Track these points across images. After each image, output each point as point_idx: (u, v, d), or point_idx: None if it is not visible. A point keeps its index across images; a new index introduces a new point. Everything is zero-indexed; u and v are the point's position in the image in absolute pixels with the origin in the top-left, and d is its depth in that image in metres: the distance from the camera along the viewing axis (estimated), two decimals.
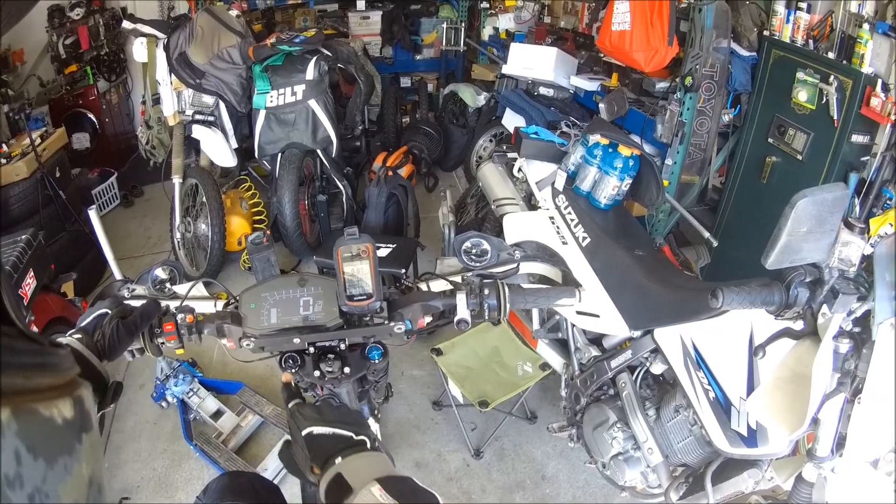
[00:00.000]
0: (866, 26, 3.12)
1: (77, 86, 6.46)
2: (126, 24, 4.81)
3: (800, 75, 3.45)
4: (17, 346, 0.51)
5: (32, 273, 3.08)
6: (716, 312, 2.19)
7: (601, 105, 4.01)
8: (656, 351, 2.49)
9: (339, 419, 1.24)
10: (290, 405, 1.38)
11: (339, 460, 1.12)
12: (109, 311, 1.40)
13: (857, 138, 3.24)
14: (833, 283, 1.74)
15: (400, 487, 1.02)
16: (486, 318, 1.57)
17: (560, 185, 3.03)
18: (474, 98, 6.22)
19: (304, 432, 1.21)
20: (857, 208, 3.21)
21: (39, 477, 0.47)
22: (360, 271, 1.46)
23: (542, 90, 5.00)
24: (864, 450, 1.84)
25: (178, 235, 4.74)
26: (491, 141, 5.81)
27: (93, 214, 3.72)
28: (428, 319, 1.60)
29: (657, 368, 2.51)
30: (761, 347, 1.97)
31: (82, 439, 0.56)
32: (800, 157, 3.52)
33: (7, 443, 0.44)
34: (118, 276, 3.83)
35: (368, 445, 1.20)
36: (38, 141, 4.67)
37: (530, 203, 3.33)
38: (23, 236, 3.15)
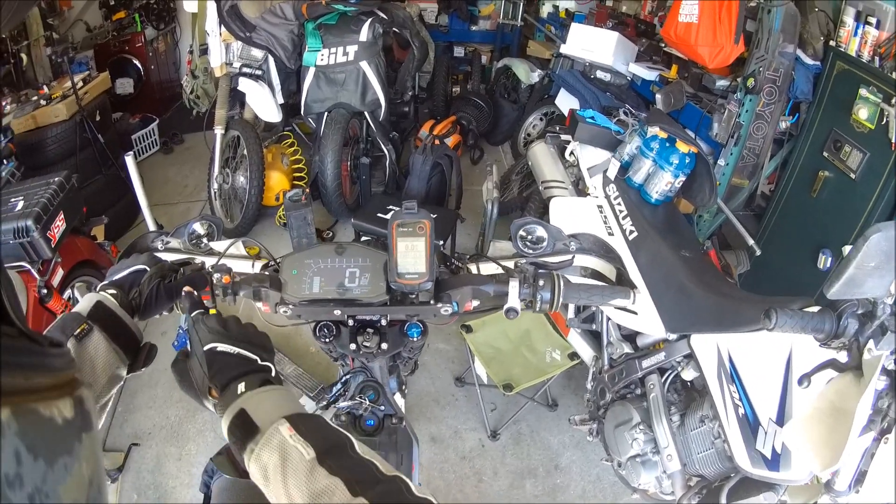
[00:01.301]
0: None
1: (124, 32, 6.48)
2: None
3: (862, 92, 3.34)
4: (17, 346, 0.52)
5: (63, 216, 3.08)
6: (757, 327, 2.13)
7: (658, 95, 3.93)
8: (690, 357, 2.44)
9: (245, 339, 1.15)
10: (192, 314, 1.24)
11: (241, 387, 1.04)
12: (147, 269, 1.35)
13: None
14: (884, 319, 1.68)
15: (310, 425, 0.98)
16: (538, 309, 1.48)
17: (612, 173, 2.98)
18: (528, 74, 6.12)
19: (205, 347, 1.12)
20: None
21: (39, 477, 0.48)
22: (414, 248, 1.39)
23: (600, 74, 4.93)
24: (882, 490, 1.79)
25: (215, 186, 4.75)
26: (541, 119, 5.75)
27: (129, 160, 3.72)
28: (476, 303, 1.53)
29: (688, 375, 2.47)
30: (807, 377, 1.91)
31: (82, 439, 0.56)
32: (853, 176, 3.42)
33: (7, 443, 0.45)
34: (151, 223, 3.84)
35: (273, 373, 1.13)
36: (80, 84, 4.71)
37: (579, 189, 3.28)
38: (55, 178, 3.14)
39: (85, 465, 0.55)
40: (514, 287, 1.45)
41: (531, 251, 1.65)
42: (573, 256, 1.69)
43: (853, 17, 3.46)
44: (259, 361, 1.12)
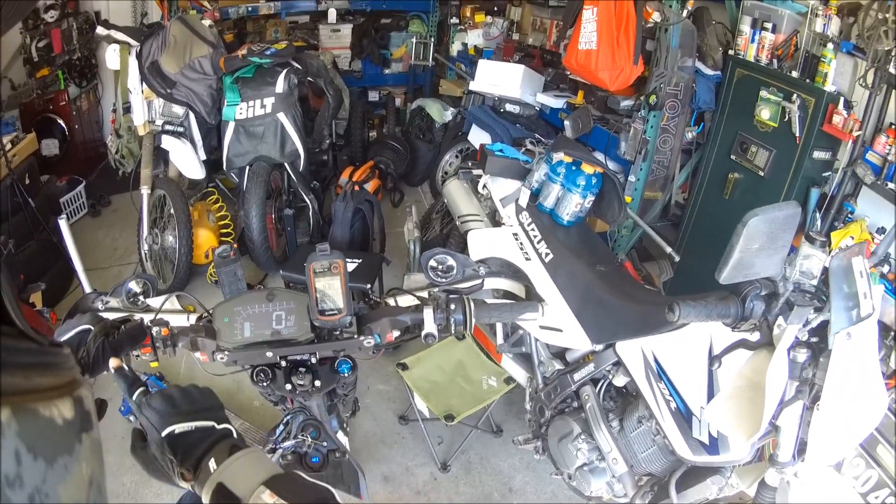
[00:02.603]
0: (830, 45, 3.22)
1: (48, 90, 6.37)
2: (100, 30, 4.76)
3: (763, 94, 3.55)
4: (17, 346, 0.51)
5: None
6: (675, 326, 2.24)
7: (566, 122, 4.07)
8: (618, 364, 2.53)
9: (195, 408, 1.15)
10: (133, 396, 1.26)
11: (212, 463, 1.04)
12: (91, 328, 1.41)
13: (819, 154, 3.34)
14: (788, 295, 1.80)
15: (291, 487, 0.99)
16: (453, 332, 1.61)
17: (524, 201, 3.08)
18: (441, 113, 6.23)
19: (163, 433, 1.11)
20: (819, 222, 3.30)
21: (39, 477, 0.47)
22: (331, 286, 1.50)
23: (509, 107, 5.05)
24: (824, 455, 1.90)
25: (145, 247, 4.70)
26: (457, 157, 5.84)
27: (63, 224, 3.69)
28: (396, 334, 1.64)
29: (620, 381, 2.56)
30: (717, 358, 2.03)
31: (82, 439, 0.56)
32: (762, 174, 3.61)
33: (7, 443, 0.44)
34: (87, 288, 3.80)
35: (234, 434, 1.13)
36: (9, 146, 4.60)
37: (494, 219, 3.37)
38: None
39: (85, 465, 0.55)
40: (428, 314, 1.59)
41: (443, 280, 1.74)
42: (482, 280, 1.78)
43: (749, 24, 3.66)
44: (216, 426, 1.13)
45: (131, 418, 3.69)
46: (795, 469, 1.96)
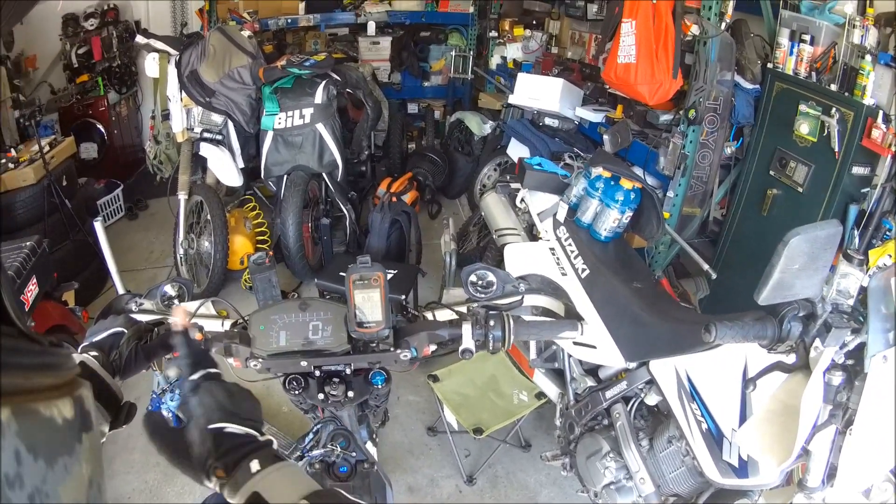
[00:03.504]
0: (868, 58, 3.16)
1: (88, 96, 6.51)
2: (139, 39, 4.86)
3: (802, 108, 3.48)
4: (17, 346, 0.51)
5: (35, 280, 3.09)
6: (710, 346, 2.21)
7: (605, 137, 4.05)
8: (651, 382, 2.50)
9: (249, 415, 1.12)
10: (197, 375, 1.19)
11: (254, 464, 1.00)
12: (125, 331, 1.42)
13: (858, 170, 3.27)
14: (826, 317, 1.75)
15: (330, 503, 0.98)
16: (491, 349, 1.59)
17: (561, 216, 3.07)
18: (480, 126, 6.24)
19: (212, 426, 1.06)
20: (857, 240, 3.24)
21: (39, 477, 0.47)
22: (370, 299, 1.49)
23: (548, 120, 5.03)
24: (854, 481, 1.85)
25: (181, 251, 4.77)
26: (495, 170, 5.84)
27: (98, 226, 3.74)
28: (433, 348, 1.62)
29: (652, 400, 2.53)
30: (752, 381, 1.99)
31: (82, 439, 0.56)
32: (801, 190, 3.55)
33: (7, 443, 0.44)
34: (121, 289, 3.85)
35: (275, 445, 1.10)
36: (47, 148, 4.73)
37: (532, 234, 3.37)
38: (27, 243, 3.16)
39: (85, 465, 0.55)
40: (467, 329, 1.57)
41: (482, 295, 1.73)
42: (522, 297, 1.76)
43: (787, 37, 3.61)
44: (259, 437, 1.10)
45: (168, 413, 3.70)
46: (824, 494, 1.91)
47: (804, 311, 1.80)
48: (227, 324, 1.69)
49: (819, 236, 1.73)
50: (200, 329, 1.52)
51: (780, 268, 1.71)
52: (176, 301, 1.75)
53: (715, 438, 2.22)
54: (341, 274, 1.53)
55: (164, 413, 3.55)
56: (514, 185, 3.51)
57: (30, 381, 0.51)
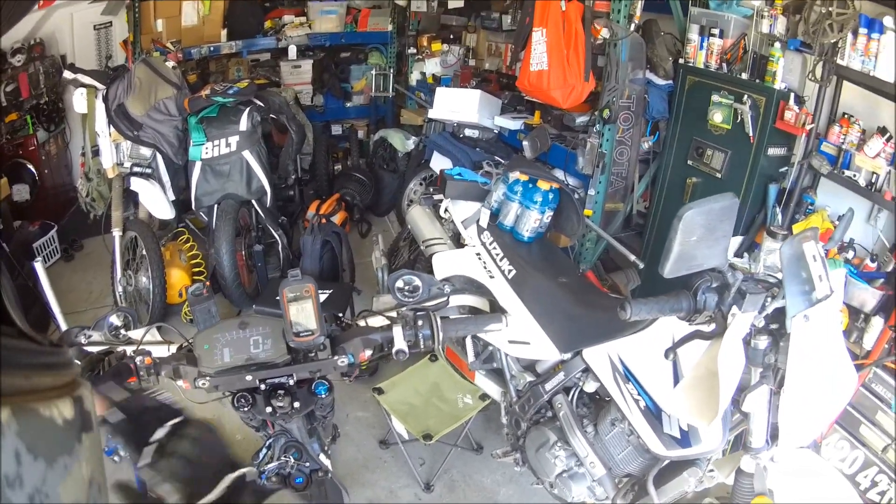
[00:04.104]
0: (778, 45, 3.34)
1: (17, 135, 6.35)
2: (67, 74, 4.80)
3: (714, 98, 3.64)
4: (17, 346, 0.52)
5: None
6: (638, 328, 2.33)
7: (524, 143, 4.15)
8: (587, 370, 2.61)
9: (213, 461, 1.13)
10: (140, 464, 1.20)
11: None
12: (77, 362, 1.49)
13: (774, 151, 3.45)
14: (739, 285, 1.86)
15: None
16: (422, 347, 1.70)
17: (484, 222, 3.16)
18: (403, 143, 6.31)
19: None
20: (780, 216, 3.41)
21: (39, 477, 0.47)
22: (303, 310, 1.59)
23: (468, 132, 5.11)
24: (796, 436, 1.97)
25: (119, 289, 4.70)
26: (421, 184, 5.89)
27: (39, 268, 3.70)
28: (369, 353, 1.72)
29: (590, 387, 2.64)
30: (671, 350, 2.08)
31: (82, 439, 0.56)
32: (719, 176, 3.71)
33: (7, 443, 0.44)
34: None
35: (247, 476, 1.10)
36: None
37: (458, 241, 3.45)
38: None
39: (85, 465, 0.55)
40: (398, 332, 1.68)
41: (410, 299, 1.82)
42: (447, 297, 1.86)
43: (697, 32, 3.77)
44: (240, 471, 1.10)
45: (115, 458, 3.69)
46: (771, 453, 2.03)
47: (717, 282, 1.90)
48: (174, 349, 1.76)
49: (714, 208, 1.84)
50: (149, 354, 1.59)
51: (678, 241, 1.81)
52: (122, 330, 1.81)
53: (654, 414, 2.33)
54: (278, 298, 1.60)
55: (121, 453, 3.53)
56: (437, 197, 3.59)
57: (30, 381, 0.51)
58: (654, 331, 2.34)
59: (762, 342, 1.88)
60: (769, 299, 1.85)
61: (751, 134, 3.47)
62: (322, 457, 2.06)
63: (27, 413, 0.48)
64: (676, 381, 2.25)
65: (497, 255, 3.02)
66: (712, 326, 1.94)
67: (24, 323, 0.58)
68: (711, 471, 2.34)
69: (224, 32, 6.73)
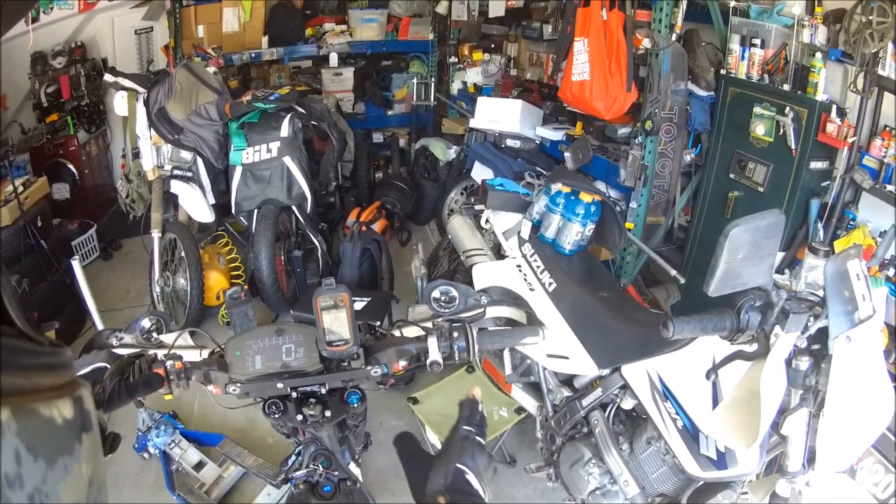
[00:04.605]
0: (819, 55, 3.25)
1: (58, 135, 6.47)
2: (107, 77, 4.85)
3: (756, 110, 3.57)
4: (17, 346, 0.51)
5: None
6: (678, 345, 2.28)
7: (566, 154, 4.12)
8: (625, 387, 2.57)
9: (482, 471, 1.16)
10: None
11: None
12: (108, 366, 1.49)
13: (816, 165, 3.36)
14: (783, 304, 1.79)
15: None
16: (457, 359, 1.66)
17: (525, 233, 3.13)
18: (445, 152, 6.30)
19: (460, 466, 1.12)
20: (821, 232, 3.31)
21: (39, 477, 0.47)
22: (337, 319, 1.56)
23: (509, 142, 5.11)
24: (833, 461, 1.90)
25: (157, 289, 4.77)
26: (462, 194, 5.88)
27: (76, 265, 3.74)
28: (403, 363, 1.68)
29: (627, 404, 2.59)
30: (713, 370, 2.04)
31: (82, 439, 0.55)
32: (761, 189, 3.63)
33: (7, 443, 0.44)
34: (100, 327, 3.86)
35: None
36: (21, 189, 4.71)
37: (498, 253, 3.43)
38: None
39: (85, 465, 0.55)
40: (432, 343, 1.64)
41: (446, 310, 1.80)
42: (484, 308, 1.83)
43: (738, 42, 3.70)
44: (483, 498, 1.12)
45: (145, 455, 3.72)
46: (807, 478, 1.96)
47: (760, 300, 1.84)
48: (205, 353, 1.74)
49: (760, 225, 1.77)
50: (180, 358, 1.58)
51: (724, 259, 1.75)
52: (154, 334, 1.80)
53: (691, 434, 2.28)
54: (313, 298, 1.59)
55: (151, 450, 3.58)
56: (478, 207, 3.57)
57: (30, 381, 0.51)
58: (693, 349, 2.29)
59: (803, 363, 1.83)
60: (812, 319, 1.79)
61: (793, 147, 3.40)
62: (352, 465, 2.04)
63: (27, 413, 0.48)
64: (715, 401, 2.20)
65: (538, 267, 2.99)
66: (754, 346, 1.89)
67: (23, 323, 0.56)
68: (745, 493, 2.28)
69: (265, 39, 6.80)
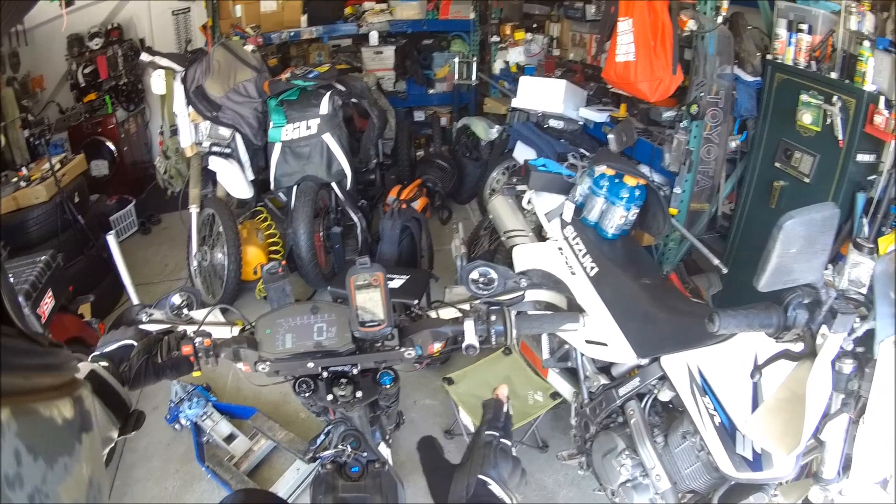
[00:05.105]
0: (867, 43, 3.13)
1: (96, 114, 6.60)
2: (144, 57, 4.91)
3: (803, 97, 3.45)
4: (17, 347, 0.52)
5: (51, 293, 3.15)
6: (720, 339, 2.22)
7: (609, 136, 4.03)
8: (664, 378, 2.51)
9: (511, 484, 1.18)
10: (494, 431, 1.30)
11: None
12: (135, 343, 1.47)
13: (863, 157, 3.24)
14: (832, 303, 1.72)
15: None
16: (494, 343, 1.62)
17: (568, 216, 3.08)
18: (486, 131, 6.26)
19: (482, 477, 1.16)
20: (866, 228, 3.19)
21: (39, 477, 0.48)
22: (371, 299, 1.52)
23: (552, 122, 5.04)
24: (870, 471, 1.82)
25: (194, 264, 4.82)
26: (503, 174, 5.85)
27: (111, 239, 3.79)
28: (438, 346, 1.64)
29: (665, 395, 2.54)
30: (758, 369, 1.97)
31: (82, 439, 0.56)
32: (807, 180, 3.53)
33: (7, 443, 0.45)
34: (135, 301, 3.91)
35: None
36: (58, 166, 4.81)
37: (540, 234, 3.38)
38: (42, 257, 3.23)
39: (85, 465, 0.55)
40: (469, 326, 1.59)
41: (484, 292, 1.75)
42: (524, 291, 1.78)
43: (785, 27, 3.58)
44: None
45: (176, 426, 3.76)
46: (840, 486, 1.90)
47: (809, 297, 1.77)
48: (236, 330, 1.72)
49: (815, 219, 1.69)
50: (209, 335, 1.56)
51: (776, 252, 1.67)
52: (185, 310, 1.79)
53: (728, 432, 2.22)
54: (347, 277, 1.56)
55: (182, 421, 3.61)
56: (520, 188, 3.53)
57: (30, 381, 0.51)
58: (735, 343, 2.21)
59: (847, 366, 1.76)
60: (858, 320, 1.72)
61: (840, 138, 3.27)
62: (382, 446, 2.02)
63: (27, 413, 0.48)
64: (755, 399, 2.13)
65: (580, 250, 2.94)
66: (800, 346, 1.83)
67: (23, 323, 0.57)
68: (776, 495, 2.22)
69: (304, 18, 6.81)
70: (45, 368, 0.55)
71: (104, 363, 1.37)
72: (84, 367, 1.32)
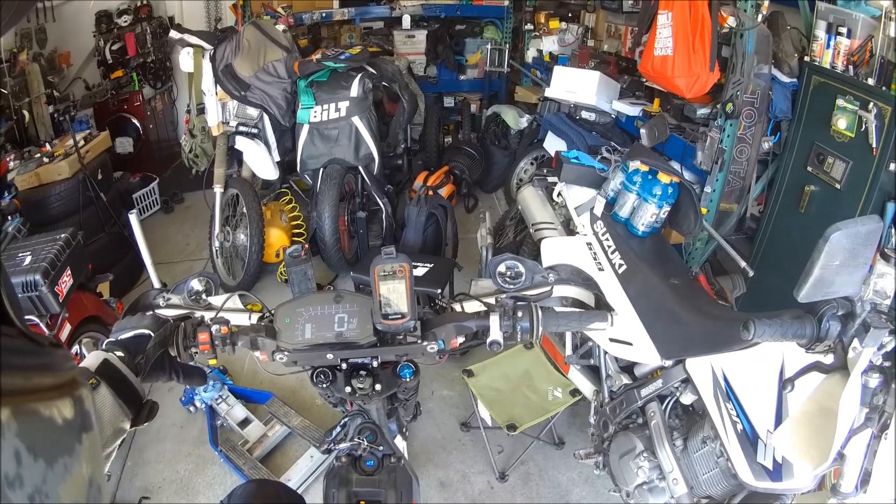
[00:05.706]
0: None
1: (122, 91, 6.62)
2: (173, 34, 4.92)
3: (839, 102, 3.39)
4: (17, 347, 0.52)
5: (69, 271, 3.15)
6: (747, 344, 2.17)
7: (642, 131, 3.99)
8: (687, 381, 2.46)
9: None
10: None
11: None
12: (151, 334, 1.44)
13: None
14: (865, 316, 1.70)
15: None
16: (519, 340, 1.57)
17: (599, 210, 3.02)
18: (517, 120, 6.22)
19: None
20: (894, 238, 3.14)
21: (39, 477, 0.48)
22: (395, 290, 1.47)
23: (584, 114, 4.97)
24: (888, 488, 1.78)
25: (216, 244, 4.82)
26: (532, 164, 5.80)
27: (133, 218, 3.79)
28: (461, 340, 1.61)
29: (687, 399, 2.49)
30: (790, 381, 1.93)
31: (82, 439, 0.56)
32: (838, 186, 3.45)
33: (7, 443, 0.45)
34: (155, 280, 3.91)
35: None
36: (82, 143, 4.82)
37: (569, 228, 3.34)
38: (61, 235, 3.22)
39: (85, 465, 0.56)
40: (494, 321, 1.55)
41: (511, 286, 1.71)
42: (551, 287, 1.74)
43: (824, 29, 3.50)
44: None
45: (191, 409, 3.78)
46: (857, 500, 1.85)
47: (843, 310, 1.74)
48: (255, 317, 1.69)
49: (860, 232, 1.66)
50: (227, 323, 1.52)
51: (820, 264, 1.65)
52: (203, 296, 1.75)
53: (750, 440, 2.17)
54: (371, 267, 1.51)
55: (197, 404, 3.61)
56: (550, 179, 3.48)
57: (30, 381, 0.51)
58: (761, 350, 2.16)
59: (873, 381, 1.70)
60: (889, 335, 1.68)
61: (874, 145, 3.20)
62: (398, 439, 2.01)
63: (27, 413, 0.48)
64: (779, 408, 2.08)
65: (609, 246, 2.89)
66: (830, 358, 1.79)
67: (23, 323, 0.58)
68: None
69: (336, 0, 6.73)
70: (46, 368, 0.55)
71: (119, 353, 1.35)
72: (98, 356, 1.31)
